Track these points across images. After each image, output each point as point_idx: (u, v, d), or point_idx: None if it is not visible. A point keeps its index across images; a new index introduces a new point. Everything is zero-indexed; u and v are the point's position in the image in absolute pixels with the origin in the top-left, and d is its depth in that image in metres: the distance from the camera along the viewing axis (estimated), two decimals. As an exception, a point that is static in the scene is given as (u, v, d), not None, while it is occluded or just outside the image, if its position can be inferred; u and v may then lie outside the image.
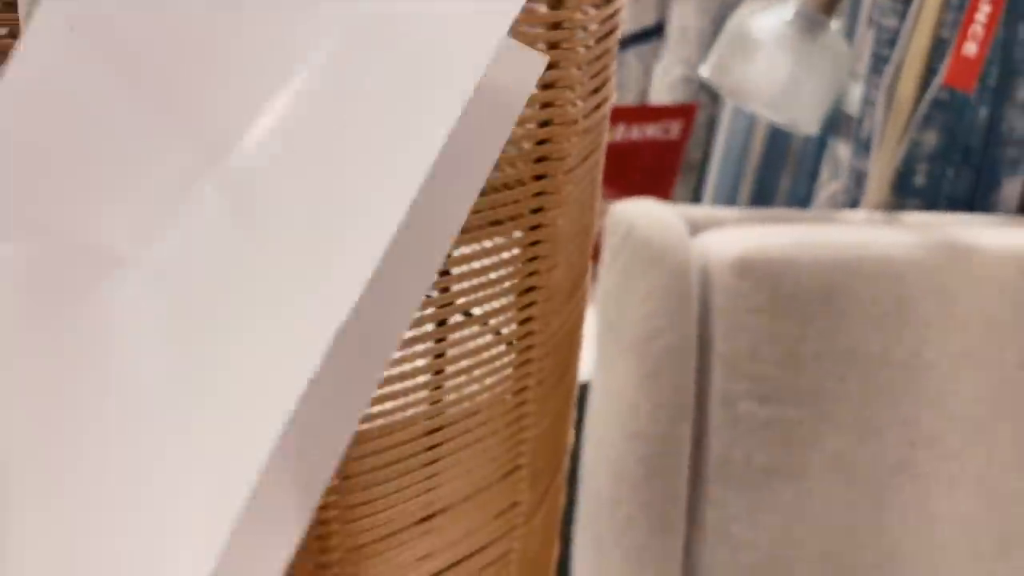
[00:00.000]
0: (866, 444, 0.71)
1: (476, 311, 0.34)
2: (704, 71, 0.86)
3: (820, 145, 1.10)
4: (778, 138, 1.15)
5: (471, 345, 0.34)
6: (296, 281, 0.24)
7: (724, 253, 0.69)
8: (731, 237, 0.71)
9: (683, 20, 1.23)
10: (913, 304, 0.71)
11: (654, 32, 1.28)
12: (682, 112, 1.04)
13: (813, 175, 1.16)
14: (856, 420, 0.71)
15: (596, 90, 0.34)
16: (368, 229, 0.23)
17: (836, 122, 1.02)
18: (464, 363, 0.34)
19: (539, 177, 0.33)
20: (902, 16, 0.93)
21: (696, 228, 0.73)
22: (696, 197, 1.26)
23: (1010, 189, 0.97)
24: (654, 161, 1.06)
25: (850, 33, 1.02)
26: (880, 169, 0.83)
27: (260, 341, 0.24)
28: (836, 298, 0.70)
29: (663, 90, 1.25)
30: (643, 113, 1.06)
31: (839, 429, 0.71)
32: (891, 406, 0.71)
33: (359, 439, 0.32)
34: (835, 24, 0.83)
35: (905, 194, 0.97)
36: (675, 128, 1.04)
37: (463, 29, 0.22)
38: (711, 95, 1.17)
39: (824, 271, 0.70)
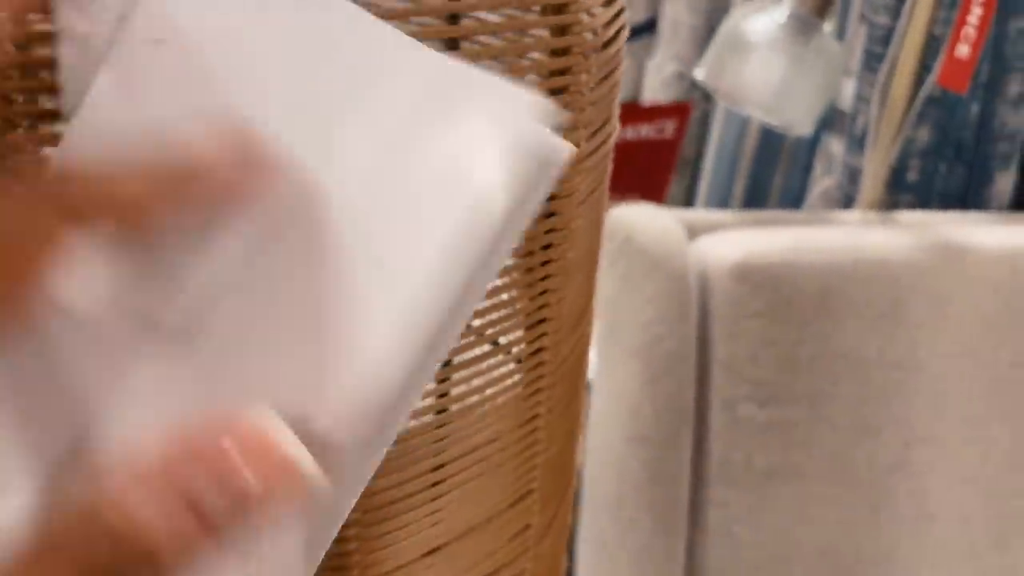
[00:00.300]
0: (863, 444, 0.73)
1: (491, 343, 0.35)
2: (698, 74, 0.87)
3: (813, 141, 1.11)
4: (772, 134, 1.16)
5: (494, 375, 0.35)
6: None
7: (723, 258, 0.70)
8: (729, 242, 0.72)
9: (675, 16, 1.24)
10: (907, 305, 0.72)
11: (646, 28, 1.29)
12: (676, 111, 1.05)
13: (807, 170, 1.17)
14: (853, 421, 0.72)
15: (602, 126, 0.35)
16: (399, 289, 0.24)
17: (829, 118, 1.03)
18: (489, 392, 0.35)
19: (549, 215, 0.34)
20: (894, 13, 0.94)
21: (694, 232, 0.74)
22: (690, 194, 1.27)
23: (1002, 184, 0.98)
24: (649, 161, 1.07)
25: (841, 30, 1.03)
26: (874, 168, 0.84)
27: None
28: (832, 301, 0.71)
29: (656, 87, 1.26)
30: (637, 112, 1.07)
31: (836, 430, 0.72)
32: (887, 406, 0.73)
33: (381, 471, 0.33)
34: (828, 25, 0.84)
35: (898, 191, 0.98)
36: (669, 127, 1.05)
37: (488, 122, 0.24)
38: (704, 92, 1.18)
39: (820, 275, 0.71)
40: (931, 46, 0.87)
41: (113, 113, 0.26)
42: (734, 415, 0.71)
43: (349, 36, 0.26)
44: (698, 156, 1.26)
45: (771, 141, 1.16)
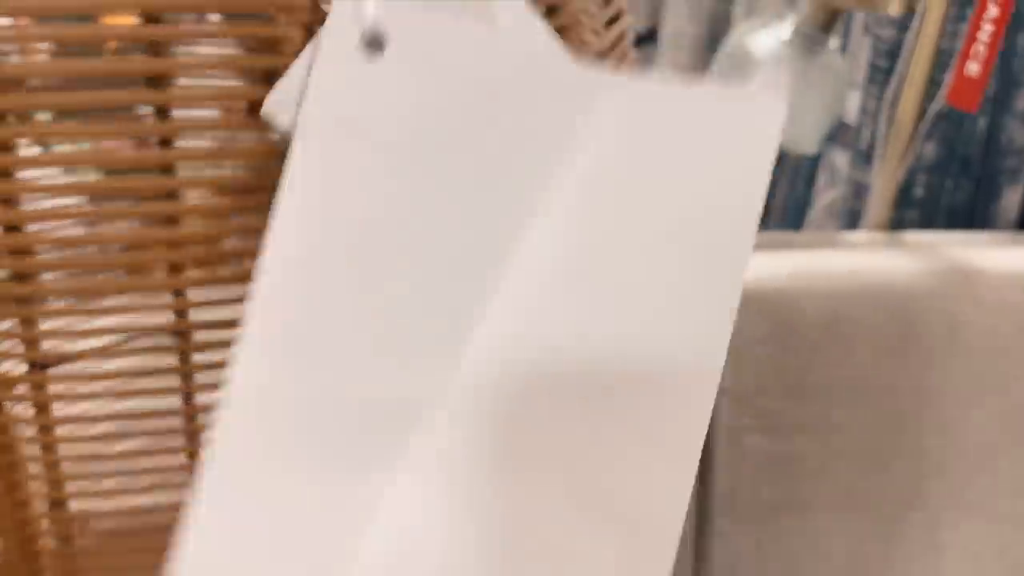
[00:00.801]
0: (876, 475, 0.71)
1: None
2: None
3: (817, 153, 1.09)
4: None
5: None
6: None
7: (728, 285, 0.68)
8: (734, 267, 0.70)
9: (676, 26, 1.22)
10: (919, 332, 0.70)
11: (647, 38, 1.27)
12: (678, 125, 1.03)
13: (810, 181, 1.15)
14: (864, 451, 0.70)
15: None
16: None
17: (834, 131, 1.01)
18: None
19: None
20: (899, 26, 0.92)
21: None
22: (692, 206, 1.25)
23: (1010, 200, 0.96)
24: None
25: (844, 43, 1.01)
26: (882, 188, 0.82)
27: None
28: (840, 328, 0.69)
29: (656, 97, 1.24)
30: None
31: (847, 461, 0.70)
32: (899, 435, 0.71)
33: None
34: (834, 42, 0.82)
35: (904, 207, 0.96)
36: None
37: (743, 127, 0.25)
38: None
39: (828, 300, 0.69)
40: (938, 60, 0.85)
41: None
42: (739, 446, 0.69)
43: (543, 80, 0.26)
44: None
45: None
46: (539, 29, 0.27)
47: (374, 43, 0.25)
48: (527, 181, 0.26)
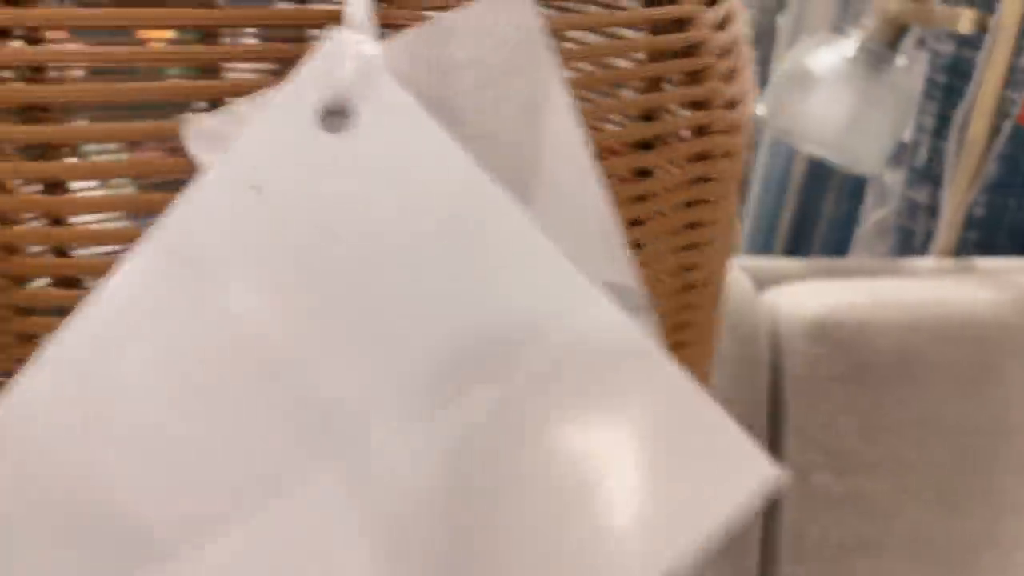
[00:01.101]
0: (948, 515, 0.67)
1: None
2: (758, 110, 0.82)
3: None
4: (822, 161, 1.11)
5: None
6: None
7: (796, 317, 0.65)
8: (801, 297, 0.67)
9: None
10: (996, 366, 0.67)
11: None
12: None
13: (856, 197, 1.12)
14: (938, 490, 0.67)
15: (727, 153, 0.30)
16: None
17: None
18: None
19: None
20: (958, 42, 0.89)
21: (760, 282, 0.69)
22: (735, 221, 1.22)
23: (1074, 220, 0.93)
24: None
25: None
26: (951, 214, 0.78)
27: None
28: (916, 363, 0.66)
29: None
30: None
31: (920, 500, 0.67)
32: (975, 474, 0.67)
33: None
34: (901, 59, 0.79)
35: (966, 227, 0.92)
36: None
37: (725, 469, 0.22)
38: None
39: (902, 335, 0.66)
40: (1011, 77, 0.81)
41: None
42: (808, 485, 0.66)
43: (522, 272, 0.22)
44: (743, 181, 1.21)
45: (821, 168, 1.11)
46: (583, 183, 0.23)
47: (337, 114, 0.21)
48: (436, 356, 0.21)
